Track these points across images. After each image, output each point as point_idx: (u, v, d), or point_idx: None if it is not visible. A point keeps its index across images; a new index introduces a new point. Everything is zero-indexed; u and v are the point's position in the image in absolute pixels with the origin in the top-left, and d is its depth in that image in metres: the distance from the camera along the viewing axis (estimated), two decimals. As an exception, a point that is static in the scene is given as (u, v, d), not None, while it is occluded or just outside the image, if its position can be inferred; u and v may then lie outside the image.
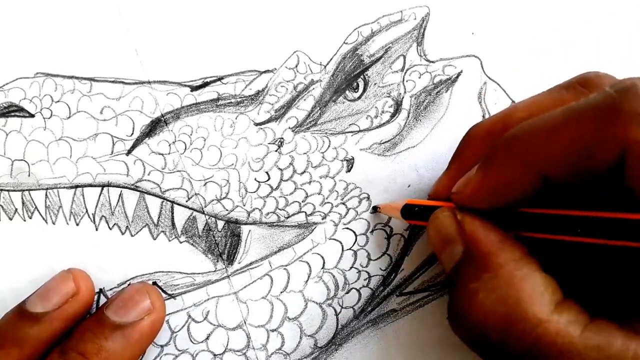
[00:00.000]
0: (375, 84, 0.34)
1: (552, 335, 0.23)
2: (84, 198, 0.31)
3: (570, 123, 0.23)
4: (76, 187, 0.31)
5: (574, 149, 0.23)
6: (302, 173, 0.33)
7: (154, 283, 0.31)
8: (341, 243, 0.33)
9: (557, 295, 0.24)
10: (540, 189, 0.25)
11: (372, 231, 0.33)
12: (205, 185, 0.32)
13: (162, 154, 0.32)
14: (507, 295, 0.24)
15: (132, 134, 0.32)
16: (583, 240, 0.24)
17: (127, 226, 0.32)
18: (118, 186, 0.32)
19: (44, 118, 0.32)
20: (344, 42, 0.34)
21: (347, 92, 0.33)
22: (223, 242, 0.32)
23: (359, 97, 0.33)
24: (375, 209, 0.33)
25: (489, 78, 0.34)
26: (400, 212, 0.30)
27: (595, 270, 0.26)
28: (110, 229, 0.32)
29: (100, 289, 0.31)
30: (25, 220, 0.31)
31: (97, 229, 0.32)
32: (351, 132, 0.33)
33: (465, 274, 0.26)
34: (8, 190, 0.31)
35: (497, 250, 0.25)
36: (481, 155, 0.27)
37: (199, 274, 0.32)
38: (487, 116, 0.34)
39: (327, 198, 0.33)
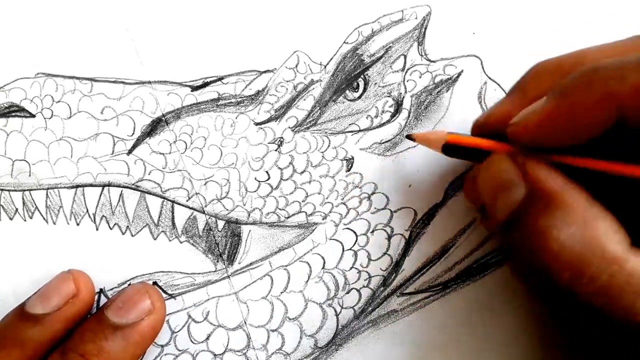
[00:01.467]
0: (375, 83, 0.34)
1: (627, 275, 0.22)
2: (84, 198, 0.31)
3: None
4: (77, 187, 0.32)
5: None
6: (302, 172, 0.33)
7: (154, 283, 0.31)
8: (342, 243, 0.33)
9: (628, 238, 0.23)
10: (611, 129, 0.24)
11: (372, 231, 0.33)
12: (205, 184, 0.32)
13: (163, 154, 0.32)
14: (581, 232, 0.23)
15: (133, 133, 0.32)
16: None
17: (128, 226, 0.32)
18: (119, 186, 0.32)
19: (44, 118, 0.32)
20: (344, 42, 0.34)
21: (347, 91, 0.33)
22: (223, 242, 0.32)
23: (359, 97, 0.33)
24: (410, 137, 0.31)
25: (489, 78, 0.34)
26: (442, 148, 0.28)
27: None
28: (111, 228, 0.32)
29: (101, 289, 0.31)
30: (25, 220, 0.31)
31: (97, 229, 0.32)
32: (351, 131, 0.33)
33: (535, 215, 0.24)
34: (9, 190, 0.31)
35: (567, 189, 0.24)
36: (547, 88, 0.25)
37: (199, 274, 0.32)
38: (487, 116, 0.33)
39: (327, 198, 0.33)
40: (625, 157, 0.25)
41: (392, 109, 0.34)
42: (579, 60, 0.27)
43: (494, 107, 0.29)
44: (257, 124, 0.33)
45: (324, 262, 0.32)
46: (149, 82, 0.33)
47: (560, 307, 0.25)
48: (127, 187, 0.32)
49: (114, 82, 0.32)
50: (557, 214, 0.24)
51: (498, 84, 0.34)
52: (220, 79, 0.33)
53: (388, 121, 0.33)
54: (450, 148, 0.28)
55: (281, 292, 0.32)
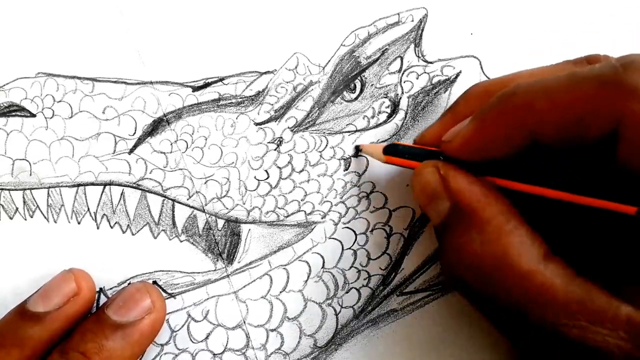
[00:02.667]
0: (372, 85, 0.34)
1: (537, 286, 0.23)
2: (85, 197, 0.32)
3: (570, 87, 0.23)
4: (78, 185, 0.32)
5: (570, 113, 0.23)
6: (301, 171, 0.33)
7: (154, 282, 0.31)
8: (341, 242, 0.33)
9: (543, 248, 0.25)
10: (528, 147, 0.25)
11: (371, 230, 0.33)
12: (206, 183, 0.32)
13: (164, 153, 0.32)
14: (495, 248, 0.25)
15: (135, 133, 0.32)
16: (563, 198, 0.25)
17: (129, 225, 0.32)
18: (120, 185, 0.32)
19: (45, 118, 0.32)
20: (342, 44, 0.34)
21: (344, 93, 0.34)
22: (223, 241, 0.32)
23: (356, 98, 0.34)
24: (357, 149, 0.33)
25: (488, 78, 0.34)
26: (383, 149, 0.30)
27: (582, 232, 0.27)
28: (112, 227, 0.32)
29: (101, 288, 0.31)
30: (26, 219, 0.31)
31: (98, 228, 0.32)
32: (348, 132, 0.34)
33: (453, 229, 0.26)
34: (9, 190, 0.31)
35: (484, 204, 0.26)
36: (475, 110, 0.27)
37: (198, 273, 0.32)
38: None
39: (326, 197, 0.33)
40: (547, 167, 0.26)
41: (388, 110, 0.34)
42: (508, 84, 0.28)
43: (428, 128, 0.31)
44: (257, 124, 0.33)
45: (324, 261, 0.33)
46: (151, 83, 0.33)
47: (487, 314, 0.26)
48: (128, 186, 0.32)
49: (115, 82, 0.33)
50: (473, 231, 0.25)
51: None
52: (221, 79, 0.33)
53: (385, 122, 0.34)
54: (391, 148, 0.30)
55: (280, 292, 0.32)
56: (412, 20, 0.35)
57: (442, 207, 0.27)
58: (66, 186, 0.31)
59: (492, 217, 0.25)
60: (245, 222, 0.32)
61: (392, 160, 0.31)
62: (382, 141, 0.34)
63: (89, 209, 0.32)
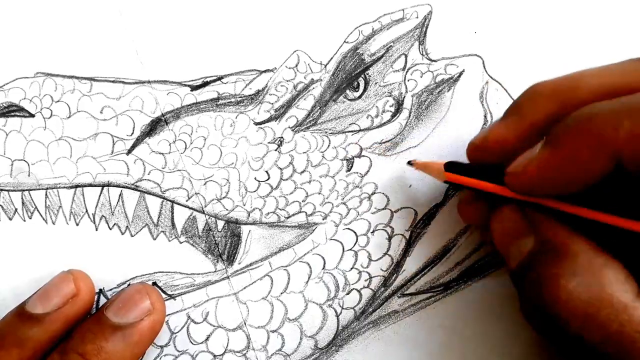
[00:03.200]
0: (376, 83, 0.33)
1: (636, 323, 0.22)
2: (84, 198, 0.31)
3: None
4: (76, 186, 0.31)
5: None
6: (302, 172, 0.32)
7: (154, 283, 0.31)
8: (342, 243, 0.32)
9: (636, 286, 0.24)
10: (609, 175, 0.23)
11: (373, 232, 0.33)
12: (205, 184, 0.32)
13: (163, 153, 0.32)
14: (590, 280, 0.23)
15: (133, 133, 0.32)
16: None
17: (127, 226, 0.32)
18: (118, 186, 0.32)
19: (44, 118, 0.32)
20: (345, 41, 0.33)
21: (347, 91, 0.33)
22: (223, 242, 0.32)
23: (360, 97, 0.33)
24: (410, 163, 0.32)
25: (491, 77, 0.34)
26: (445, 165, 0.29)
27: None
28: (110, 229, 0.32)
29: (100, 290, 0.31)
30: (25, 220, 0.31)
31: (97, 229, 0.32)
32: (351, 131, 0.33)
33: (543, 262, 0.25)
34: (8, 190, 0.31)
35: (574, 238, 0.25)
36: (543, 112, 0.26)
37: (198, 274, 0.32)
38: (488, 116, 0.33)
39: (327, 198, 0.33)
40: (628, 200, 0.24)
41: (392, 109, 0.33)
42: (575, 83, 0.26)
43: (490, 130, 0.29)
44: (257, 123, 0.33)
45: (324, 263, 0.32)
46: (149, 82, 0.32)
47: (569, 352, 0.25)
48: (126, 187, 0.32)
49: (113, 81, 0.32)
50: (565, 264, 0.24)
51: (500, 84, 0.34)
52: (220, 78, 0.33)
53: (388, 121, 0.33)
54: (452, 166, 0.29)
55: (281, 293, 0.32)
56: (417, 17, 0.34)
57: (526, 246, 0.26)
58: (64, 187, 0.31)
59: (584, 252, 0.24)
60: (246, 223, 0.32)
61: (453, 178, 0.29)
62: (386, 141, 0.33)
63: (87, 211, 0.31)
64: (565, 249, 0.25)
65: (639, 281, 0.24)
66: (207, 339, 0.31)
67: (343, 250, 0.32)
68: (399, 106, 0.33)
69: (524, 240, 0.26)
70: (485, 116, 0.33)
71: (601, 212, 0.25)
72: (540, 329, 0.26)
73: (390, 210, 0.33)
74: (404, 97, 0.33)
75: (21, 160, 0.31)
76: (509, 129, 0.28)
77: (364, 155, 0.33)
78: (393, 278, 0.33)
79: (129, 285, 0.31)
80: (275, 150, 0.33)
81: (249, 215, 0.32)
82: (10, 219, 0.31)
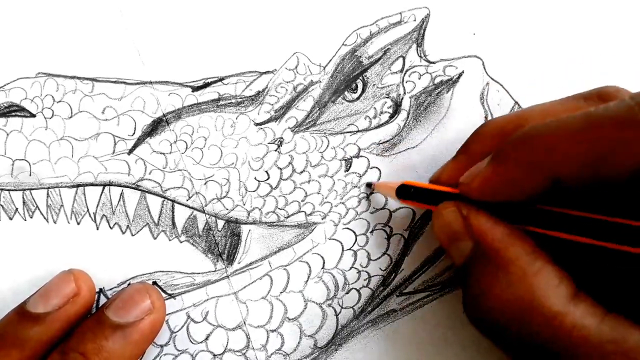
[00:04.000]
0: (374, 85, 0.34)
1: (568, 328, 0.23)
2: (85, 197, 0.32)
3: (588, 128, 0.23)
4: (77, 186, 0.32)
5: (589, 155, 0.23)
6: (301, 172, 0.33)
7: (154, 283, 0.31)
8: (341, 243, 0.33)
9: (571, 288, 0.24)
10: (550, 189, 0.25)
11: (372, 231, 0.33)
12: (205, 184, 0.32)
13: (164, 153, 0.32)
14: (522, 290, 0.24)
15: (134, 133, 0.32)
16: (588, 242, 0.24)
17: (128, 225, 0.32)
18: (119, 185, 0.32)
19: (45, 118, 0.32)
20: (343, 44, 0.34)
21: (346, 92, 0.34)
22: (223, 241, 0.32)
23: (358, 98, 0.34)
24: (369, 186, 0.33)
25: (492, 79, 0.34)
26: (395, 191, 0.30)
27: (607, 269, 0.26)
28: (111, 228, 0.32)
29: (100, 289, 0.31)
30: (25, 220, 0.31)
31: (98, 228, 0.32)
32: (350, 132, 0.33)
33: (477, 271, 0.26)
34: (9, 190, 0.31)
35: (507, 245, 0.25)
36: (490, 151, 0.27)
37: (198, 273, 0.32)
38: (489, 117, 0.34)
39: (326, 198, 0.33)
40: (569, 204, 0.25)
41: (390, 110, 0.34)
42: (521, 122, 0.28)
43: (442, 169, 0.31)
44: (257, 124, 0.33)
45: (324, 262, 0.32)
46: (150, 83, 0.33)
47: (510, 353, 0.26)
48: (127, 187, 0.32)
49: (115, 82, 0.32)
50: (498, 273, 0.25)
51: (501, 85, 0.34)
52: (221, 79, 0.33)
53: (386, 122, 0.34)
54: (404, 190, 0.30)
55: (281, 292, 0.32)
56: (415, 20, 0.34)
57: (464, 248, 0.27)
58: (65, 187, 0.31)
59: (517, 258, 0.25)
60: (246, 223, 0.32)
61: (407, 203, 0.30)
62: (384, 142, 0.33)
63: (88, 210, 0.32)
64: (498, 256, 0.25)
65: (581, 278, 0.25)
66: (206, 338, 0.31)
67: (342, 250, 0.33)
68: (397, 107, 0.34)
69: (462, 243, 0.27)
70: (485, 117, 0.34)
71: (540, 227, 0.26)
72: (481, 330, 0.27)
73: (389, 210, 0.33)
74: (402, 98, 0.34)
75: (22, 159, 0.31)
76: (458, 167, 0.29)
77: (362, 156, 0.33)
78: (392, 277, 0.33)
79: (129, 284, 0.31)
80: (275, 150, 0.33)
81: (248, 214, 0.32)
82: (11, 218, 0.31)
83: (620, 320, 0.23)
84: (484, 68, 0.34)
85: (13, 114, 0.32)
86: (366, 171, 0.33)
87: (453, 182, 0.29)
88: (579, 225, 0.25)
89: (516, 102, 0.34)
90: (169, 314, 0.31)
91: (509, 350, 0.26)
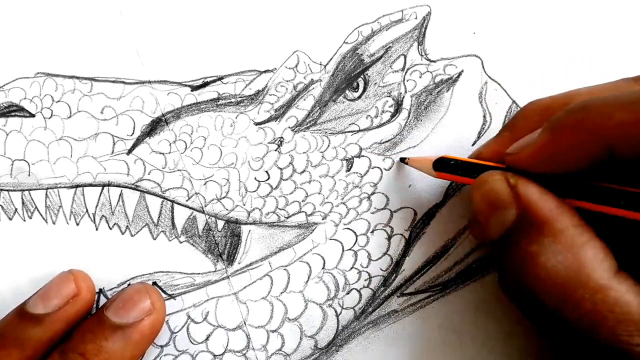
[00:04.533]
0: (375, 83, 0.34)
1: (610, 303, 0.23)
2: (84, 198, 0.31)
3: None
4: (76, 186, 0.31)
5: None
6: (302, 172, 0.33)
7: (154, 283, 0.31)
8: (341, 243, 0.33)
9: (615, 264, 0.24)
10: (604, 161, 0.24)
11: (372, 231, 0.33)
12: (205, 184, 0.32)
13: (163, 153, 0.32)
14: (569, 259, 0.24)
15: (133, 133, 0.32)
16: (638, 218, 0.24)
17: (127, 226, 0.32)
18: (118, 186, 0.32)
19: (44, 118, 0.32)
20: (344, 42, 0.34)
21: (347, 91, 0.33)
22: (223, 242, 0.32)
23: (359, 97, 0.33)
24: (402, 161, 0.32)
25: (490, 78, 0.34)
26: (433, 163, 0.30)
27: None
28: (111, 228, 0.32)
29: (100, 289, 0.31)
30: (25, 220, 0.31)
31: (97, 229, 0.32)
32: (351, 131, 0.33)
33: (522, 238, 0.25)
34: (8, 190, 0.31)
35: (556, 215, 0.25)
36: (536, 128, 0.27)
37: (198, 274, 0.32)
38: (487, 116, 0.34)
39: (327, 198, 0.33)
40: (620, 182, 0.25)
41: (392, 109, 0.34)
42: (568, 101, 0.28)
43: (484, 146, 0.30)
44: (257, 123, 0.33)
45: (324, 262, 0.32)
46: (149, 82, 0.33)
47: (545, 328, 0.26)
48: (126, 187, 0.32)
49: (113, 81, 0.32)
50: (545, 241, 0.25)
51: (499, 84, 0.34)
52: (220, 78, 0.33)
53: (388, 121, 0.33)
54: (441, 163, 0.29)
55: (281, 293, 0.32)
56: (416, 18, 0.34)
57: (507, 218, 0.26)
58: (64, 187, 0.31)
59: (566, 229, 0.25)
60: (246, 223, 0.32)
61: (444, 176, 0.30)
62: (386, 141, 0.33)
63: (87, 210, 0.32)
64: (546, 225, 0.25)
65: (622, 257, 0.24)
66: (207, 339, 0.31)
67: (343, 250, 0.32)
68: (398, 106, 0.34)
69: (506, 212, 0.26)
70: (484, 116, 0.34)
71: (582, 201, 0.26)
72: (517, 302, 0.26)
73: (390, 210, 0.33)
74: (403, 97, 0.34)
75: (21, 160, 0.31)
76: (502, 145, 0.29)
77: (363, 156, 0.33)
78: (392, 278, 0.33)
79: (129, 285, 0.31)
80: (275, 150, 0.33)
81: (249, 215, 0.32)
82: (10, 218, 0.31)
83: None
84: (483, 67, 0.34)
85: (12, 114, 0.32)
86: (367, 171, 0.33)
87: (495, 159, 0.28)
88: (631, 200, 0.24)
89: (514, 101, 0.34)
90: (169, 314, 0.31)
91: (542, 321, 0.25)
